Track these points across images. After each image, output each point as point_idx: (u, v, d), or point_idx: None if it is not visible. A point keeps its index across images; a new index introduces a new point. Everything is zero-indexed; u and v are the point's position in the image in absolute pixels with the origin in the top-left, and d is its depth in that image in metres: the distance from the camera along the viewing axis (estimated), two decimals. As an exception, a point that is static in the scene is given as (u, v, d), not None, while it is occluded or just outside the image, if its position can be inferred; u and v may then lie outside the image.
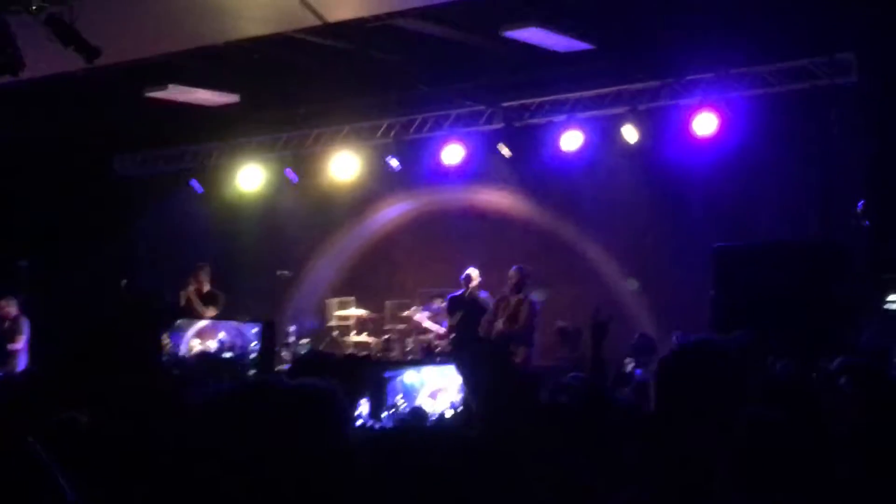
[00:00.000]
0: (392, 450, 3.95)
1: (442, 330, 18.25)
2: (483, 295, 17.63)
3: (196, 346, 13.97)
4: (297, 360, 6.04)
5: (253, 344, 13.08)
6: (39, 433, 4.07)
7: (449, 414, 9.33)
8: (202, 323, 15.08)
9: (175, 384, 7.26)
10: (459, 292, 17.74)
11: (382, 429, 8.05)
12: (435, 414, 9.60)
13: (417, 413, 9.45)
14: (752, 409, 3.86)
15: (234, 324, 14.49)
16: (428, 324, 18.78)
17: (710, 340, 3.98)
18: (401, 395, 9.52)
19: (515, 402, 4.61)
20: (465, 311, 17.36)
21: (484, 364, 4.79)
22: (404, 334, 19.28)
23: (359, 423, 7.38)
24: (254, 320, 15.81)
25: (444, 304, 18.22)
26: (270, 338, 13.51)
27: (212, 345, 14.22)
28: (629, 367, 14.17)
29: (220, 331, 14.21)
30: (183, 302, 17.27)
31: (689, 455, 3.47)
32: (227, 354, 13.88)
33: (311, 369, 5.17)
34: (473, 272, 17.73)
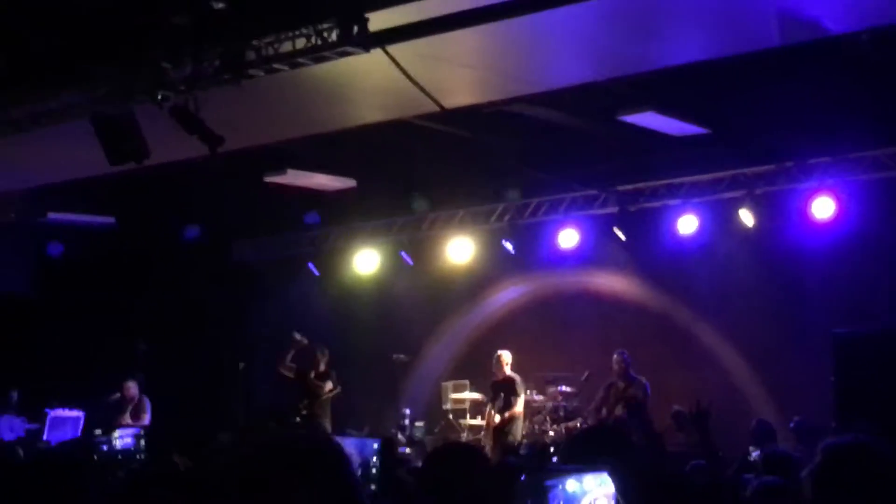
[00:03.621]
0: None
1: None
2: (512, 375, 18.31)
3: None
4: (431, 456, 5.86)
5: (374, 459, 12.83)
6: None
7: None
8: None
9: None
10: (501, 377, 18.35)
11: None
12: None
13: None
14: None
15: (351, 439, 14.40)
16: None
17: (867, 444, 3.90)
18: (562, 505, 9.45)
19: None
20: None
21: (633, 472, 4.79)
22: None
23: None
24: (372, 434, 16.07)
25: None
26: (391, 456, 13.38)
27: None
28: (753, 455, 13.95)
29: None
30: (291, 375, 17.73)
31: None
32: None
33: (459, 470, 5.10)
34: (505, 354, 18.38)
